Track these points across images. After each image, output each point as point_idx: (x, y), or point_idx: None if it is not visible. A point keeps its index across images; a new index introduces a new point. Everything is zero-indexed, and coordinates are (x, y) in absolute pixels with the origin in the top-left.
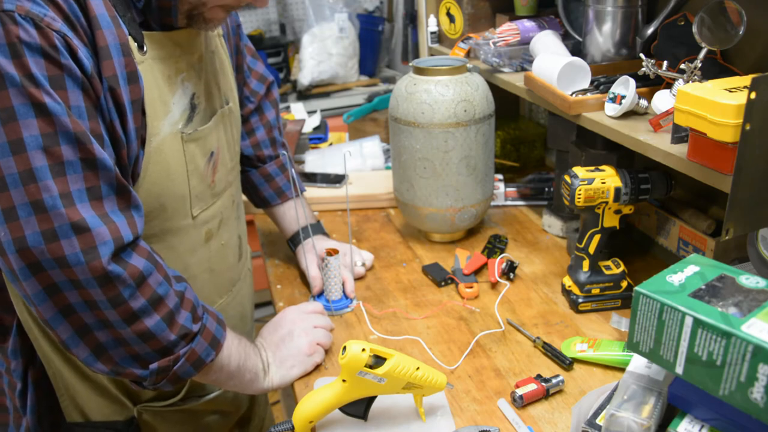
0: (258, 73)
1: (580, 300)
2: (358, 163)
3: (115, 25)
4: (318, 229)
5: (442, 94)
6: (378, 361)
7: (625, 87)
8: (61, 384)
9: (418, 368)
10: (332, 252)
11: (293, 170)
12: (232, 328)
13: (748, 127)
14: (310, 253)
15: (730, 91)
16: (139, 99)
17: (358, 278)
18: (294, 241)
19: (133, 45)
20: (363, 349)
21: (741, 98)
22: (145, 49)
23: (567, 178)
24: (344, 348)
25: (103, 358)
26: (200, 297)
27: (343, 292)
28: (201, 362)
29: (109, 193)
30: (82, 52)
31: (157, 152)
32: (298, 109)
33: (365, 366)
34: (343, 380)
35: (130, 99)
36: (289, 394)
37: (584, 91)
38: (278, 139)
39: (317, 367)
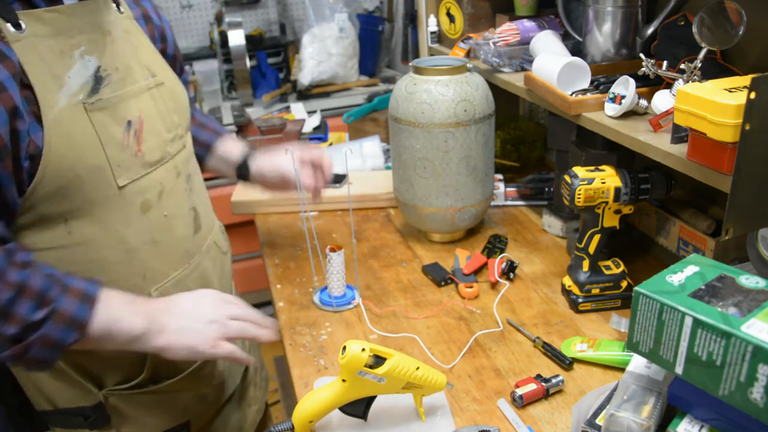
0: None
1: (580, 300)
2: (358, 163)
3: None
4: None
5: (442, 94)
6: (378, 360)
7: (625, 87)
8: (23, 373)
9: (418, 368)
10: (335, 248)
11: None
12: None
13: (747, 127)
14: (285, 158)
15: (730, 91)
16: (16, 73)
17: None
18: (243, 169)
19: (4, 26)
20: (363, 349)
21: (741, 98)
22: (23, 27)
23: (567, 178)
24: (344, 348)
25: None
26: (148, 270)
27: (347, 286)
28: (60, 345)
29: None
30: None
31: (57, 124)
32: (298, 109)
33: (365, 366)
34: (343, 380)
35: (8, 73)
36: (288, 394)
37: (584, 91)
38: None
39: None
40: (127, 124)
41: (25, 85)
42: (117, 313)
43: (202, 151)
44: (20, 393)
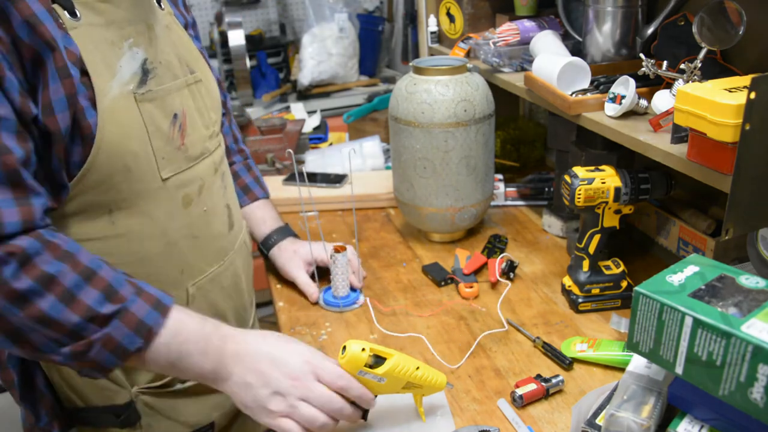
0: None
1: (580, 300)
2: (358, 163)
3: None
4: (287, 232)
5: (442, 94)
6: (378, 360)
7: (625, 87)
8: (55, 370)
9: (418, 368)
10: (340, 249)
11: (257, 170)
12: (226, 298)
13: (747, 127)
14: (291, 260)
15: (730, 91)
16: (77, 59)
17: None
18: (266, 244)
19: (62, 12)
20: (363, 349)
21: (741, 98)
22: (79, 16)
23: (567, 178)
24: (344, 347)
25: (19, 344)
26: (186, 265)
27: (350, 287)
28: (123, 350)
29: (1, 181)
30: None
31: (110, 112)
32: (298, 109)
33: (365, 366)
34: None
35: (69, 60)
36: None
37: (584, 91)
38: (233, 147)
39: None
40: (173, 117)
41: (83, 71)
42: (188, 344)
43: None
44: (52, 391)
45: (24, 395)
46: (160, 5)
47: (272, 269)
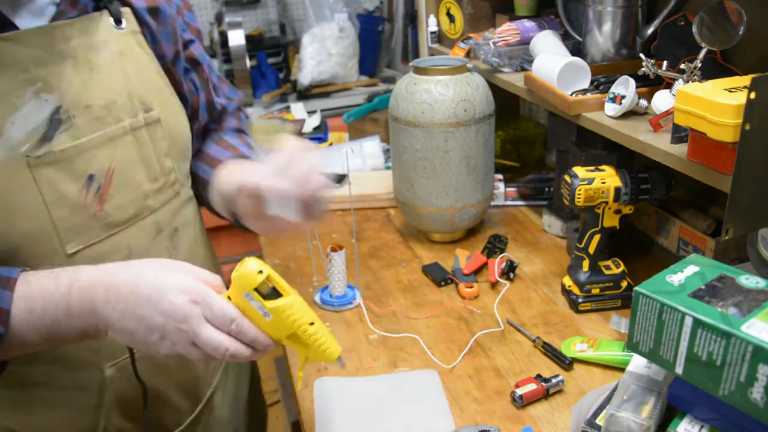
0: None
1: (580, 300)
2: (358, 163)
3: None
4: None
5: (442, 94)
6: (273, 294)
7: (625, 87)
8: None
9: (312, 323)
10: (337, 248)
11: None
12: (166, 375)
13: (747, 127)
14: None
15: (730, 91)
16: None
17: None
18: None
19: None
20: (260, 271)
21: (741, 98)
22: None
23: (567, 178)
24: (242, 262)
25: None
26: (104, 344)
27: (347, 284)
28: None
29: None
30: None
31: None
32: (298, 109)
33: (254, 290)
34: (228, 297)
35: None
36: (289, 394)
37: (584, 91)
38: (216, 107)
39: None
40: (88, 179)
41: None
42: (48, 313)
43: (208, 169)
44: None
45: None
46: (119, 24)
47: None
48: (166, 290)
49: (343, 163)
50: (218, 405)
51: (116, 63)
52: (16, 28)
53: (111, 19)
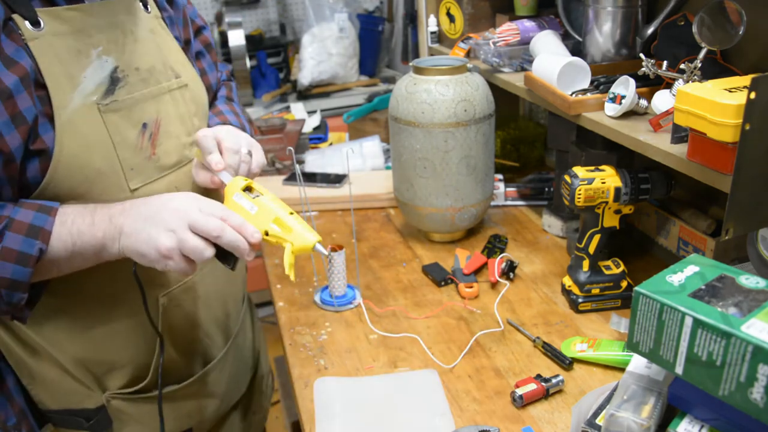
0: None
1: (580, 300)
2: (358, 163)
3: None
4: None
5: (442, 94)
6: (254, 194)
7: (625, 87)
8: (26, 372)
9: (291, 213)
10: (337, 248)
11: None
12: (204, 307)
13: (747, 127)
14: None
15: (730, 91)
16: (25, 75)
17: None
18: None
19: (22, 23)
20: (245, 179)
21: (741, 98)
22: (42, 25)
23: (567, 178)
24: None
25: None
26: (156, 274)
27: (348, 284)
28: (26, 257)
29: None
30: None
31: (70, 125)
32: (298, 109)
33: (242, 189)
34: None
35: (16, 77)
36: (288, 394)
37: (584, 91)
38: (216, 86)
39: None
40: (143, 127)
41: (40, 85)
42: (76, 224)
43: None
44: (26, 394)
45: (7, 392)
46: (146, 8)
47: None
48: (171, 198)
49: (343, 163)
50: (240, 345)
51: (150, 38)
52: (82, 1)
53: (140, 4)
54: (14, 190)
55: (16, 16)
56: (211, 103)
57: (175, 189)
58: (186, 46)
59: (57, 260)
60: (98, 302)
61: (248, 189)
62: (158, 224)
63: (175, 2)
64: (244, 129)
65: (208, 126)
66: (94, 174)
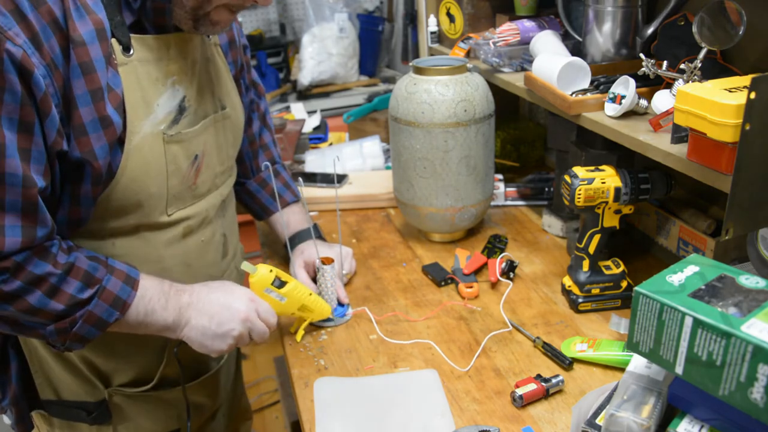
0: (257, 86)
1: (580, 300)
2: (358, 163)
3: (100, 39)
4: (308, 235)
5: (442, 94)
6: (281, 283)
7: (625, 87)
8: (36, 360)
9: (310, 294)
10: (327, 261)
11: (287, 175)
12: None
13: (747, 127)
14: (297, 258)
15: (730, 91)
16: (120, 103)
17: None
18: (290, 247)
19: (117, 48)
20: (270, 270)
21: (741, 98)
22: (131, 51)
23: (567, 178)
24: (255, 268)
25: (4, 323)
26: None
27: (338, 300)
28: (103, 322)
29: (12, 208)
30: (39, 72)
31: (137, 150)
32: (298, 109)
33: (271, 284)
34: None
35: (113, 106)
36: (289, 394)
37: (584, 91)
38: (260, 153)
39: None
40: (194, 158)
41: (122, 111)
42: (152, 303)
43: (260, 211)
44: (25, 380)
45: (7, 375)
46: (208, 36)
47: None
48: (232, 297)
49: (344, 163)
50: (233, 353)
51: (206, 67)
52: (167, 32)
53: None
54: (74, 203)
55: (113, 41)
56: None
57: (204, 212)
58: (240, 69)
59: (124, 326)
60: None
61: (277, 279)
62: (221, 324)
63: (236, 41)
64: (298, 198)
65: (266, 190)
66: (145, 198)
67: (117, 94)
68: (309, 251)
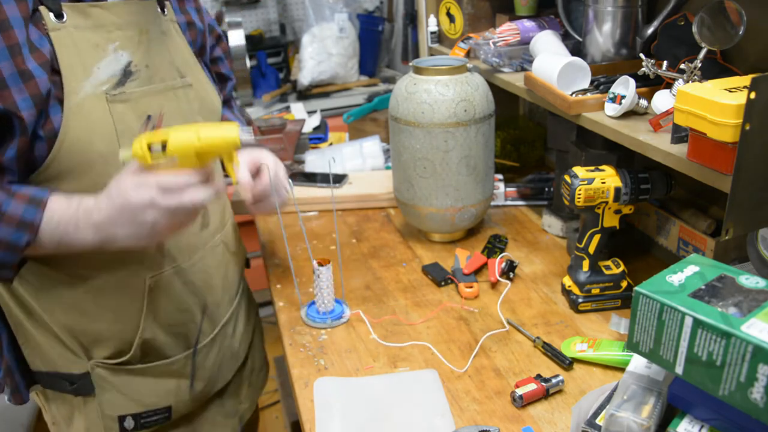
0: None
1: (580, 300)
2: (358, 163)
3: (16, 0)
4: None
5: (442, 94)
6: (161, 146)
7: (625, 87)
8: (21, 332)
9: (199, 138)
10: (323, 262)
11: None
12: (191, 294)
13: (747, 127)
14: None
15: (730, 91)
16: (46, 62)
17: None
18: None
19: (47, 14)
20: (140, 141)
21: (741, 98)
22: (65, 18)
23: (567, 178)
24: (128, 150)
25: None
26: (147, 257)
27: (335, 298)
28: (15, 246)
29: None
30: None
31: (78, 110)
32: (298, 109)
33: (150, 152)
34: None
35: (36, 62)
36: (289, 394)
37: (584, 91)
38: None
39: None
40: (147, 118)
41: (56, 71)
42: (62, 227)
43: None
44: (16, 352)
45: None
46: (163, 12)
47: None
48: (127, 195)
49: (344, 163)
50: (228, 334)
51: (161, 38)
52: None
53: (158, 7)
54: (21, 166)
55: (42, 8)
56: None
57: None
58: (201, 50)
59: (44, 247)
60: (91, 279)
61: (153, 145)
62: (135, 221)
63: (196, 9)
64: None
65: None
66: (95, 157)
67: (43, 53)
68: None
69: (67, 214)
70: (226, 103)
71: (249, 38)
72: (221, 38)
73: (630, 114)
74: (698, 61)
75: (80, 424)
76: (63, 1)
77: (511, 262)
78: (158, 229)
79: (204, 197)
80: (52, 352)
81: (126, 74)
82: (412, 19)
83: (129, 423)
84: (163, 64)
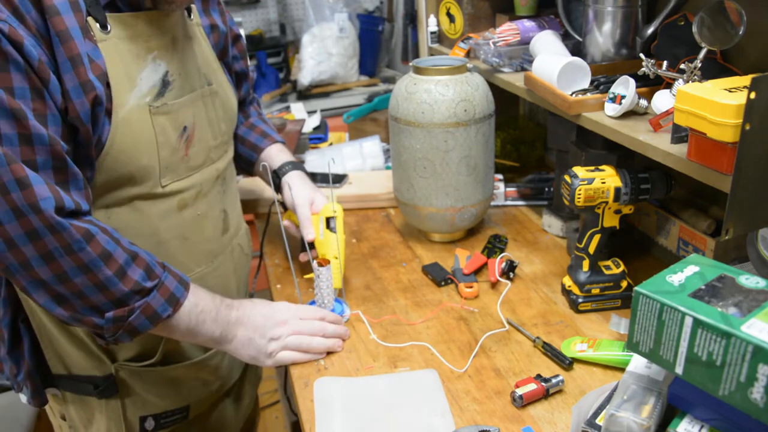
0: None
1: (580, 300)
2: (358, 163)
3: (74, 10)
4: (299, 166)
5: (442, 94)
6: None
7: (625, 87)
8: (45, 336)
9: (336, 258)
10: (323, 262)
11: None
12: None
13: (747, 127)
14: (303, 189)
15: (730, 91)
16: (102, 74)
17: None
18: (280, 172)
19: (94, 25)
20: (334, 211)
21: (741, 98)
22: (109, 29)
23: (567, 178)
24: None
25: (64, 305)
26: (173, 263)
27: (336, 298)
28: (156, 316)
29: (45, 167)
30: (29, 42)
31: (124, 123)
32: (298, 109)
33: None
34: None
35: (94, 75)
36: (289, 393)
37: (584, 91)
38: (250, 110)
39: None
40: (183, 130)
41: (106, 84)
42: (203, 314)
43: (251, 153)
44: (38, 355)
45: (10, 351)
46: (189, 15)
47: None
48: (274, 308)
49: (344, 163)
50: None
51: (188, 44)
52: (141, 10)
53: (185, 12)
54: (86, 174)
55: (89, 19)
56: (242, 101)
57: (198, 186)
58: (223, 52)
59: (173, 328)
60: None
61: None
62: (265, 335)
63: (220, 12)
64: (284, 142)
65: (245, 145)
66: (136, 169)
67: (98, 65)
68: (311, 187)
69: (209, 303)
70: (243, 103)
71: (249, 38)
72: (239, 38)
73: (630, 114)
74: (698, 61)
75: (101, 426)
76: (107, 11)
77: (511, 262)
78: (272, 344)
79: (328, 347)
80: (77, 356)
81: (165, 84)
82: (412, 19)
83: (150, 423)
84: (192, 71)
